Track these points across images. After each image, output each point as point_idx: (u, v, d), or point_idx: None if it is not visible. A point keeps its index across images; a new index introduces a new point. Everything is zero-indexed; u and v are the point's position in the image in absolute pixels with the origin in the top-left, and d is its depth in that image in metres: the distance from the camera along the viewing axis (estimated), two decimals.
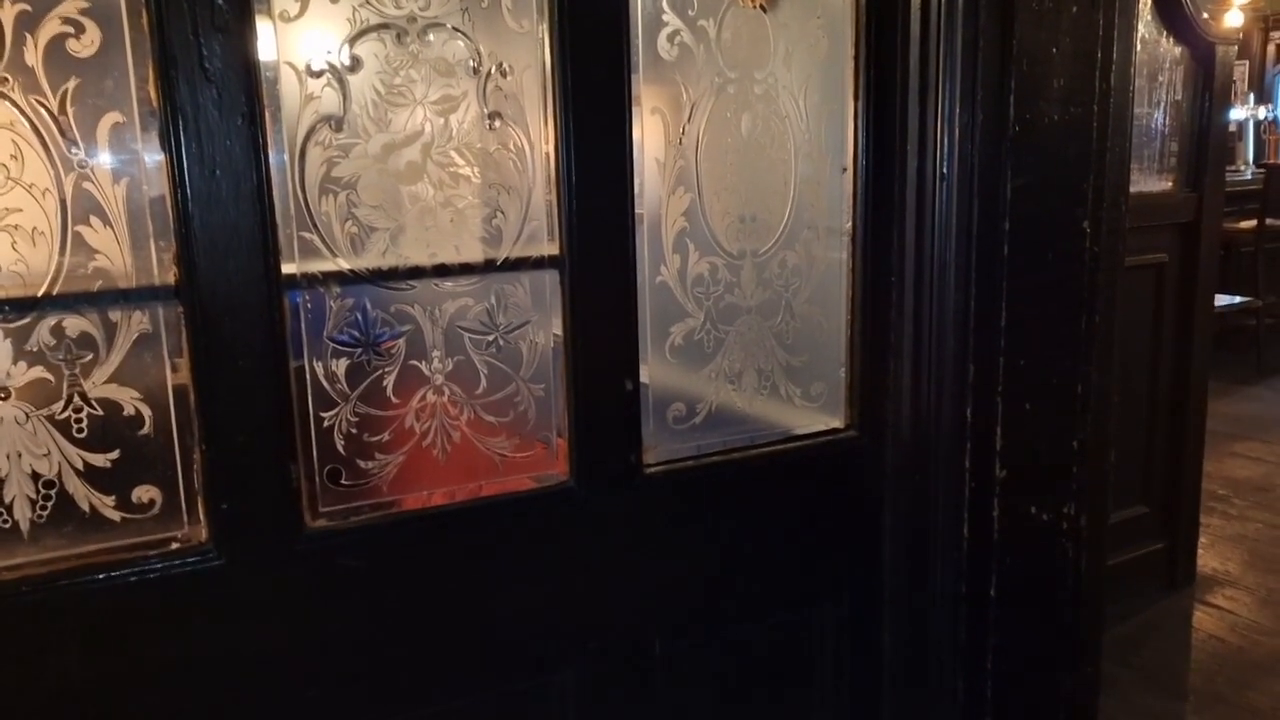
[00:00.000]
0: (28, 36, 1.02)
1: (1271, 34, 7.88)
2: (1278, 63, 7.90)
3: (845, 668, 1.64)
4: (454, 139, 1.23)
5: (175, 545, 1.15)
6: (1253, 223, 5.19)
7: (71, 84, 1.04)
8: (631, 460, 1.39)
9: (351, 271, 1.21)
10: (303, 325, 1.19)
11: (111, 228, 1.08)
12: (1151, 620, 2.67)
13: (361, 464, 1.25)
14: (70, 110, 1.04)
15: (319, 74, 1.15)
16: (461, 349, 1.29)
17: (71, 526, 1.11)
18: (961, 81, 1.41)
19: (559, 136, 1.27)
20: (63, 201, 1.05)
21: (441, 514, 1.30)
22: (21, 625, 1.09)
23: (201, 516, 1.16)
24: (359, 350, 1.23)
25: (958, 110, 1.42)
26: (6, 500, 1.08)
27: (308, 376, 1.20)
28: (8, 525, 1.08)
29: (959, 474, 1.53)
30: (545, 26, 1.25)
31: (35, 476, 1.08)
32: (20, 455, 1.07)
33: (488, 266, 1.28)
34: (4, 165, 1.03)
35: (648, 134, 1.35)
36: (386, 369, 1.24)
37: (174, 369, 1.13)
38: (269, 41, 1.11)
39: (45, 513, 1.09)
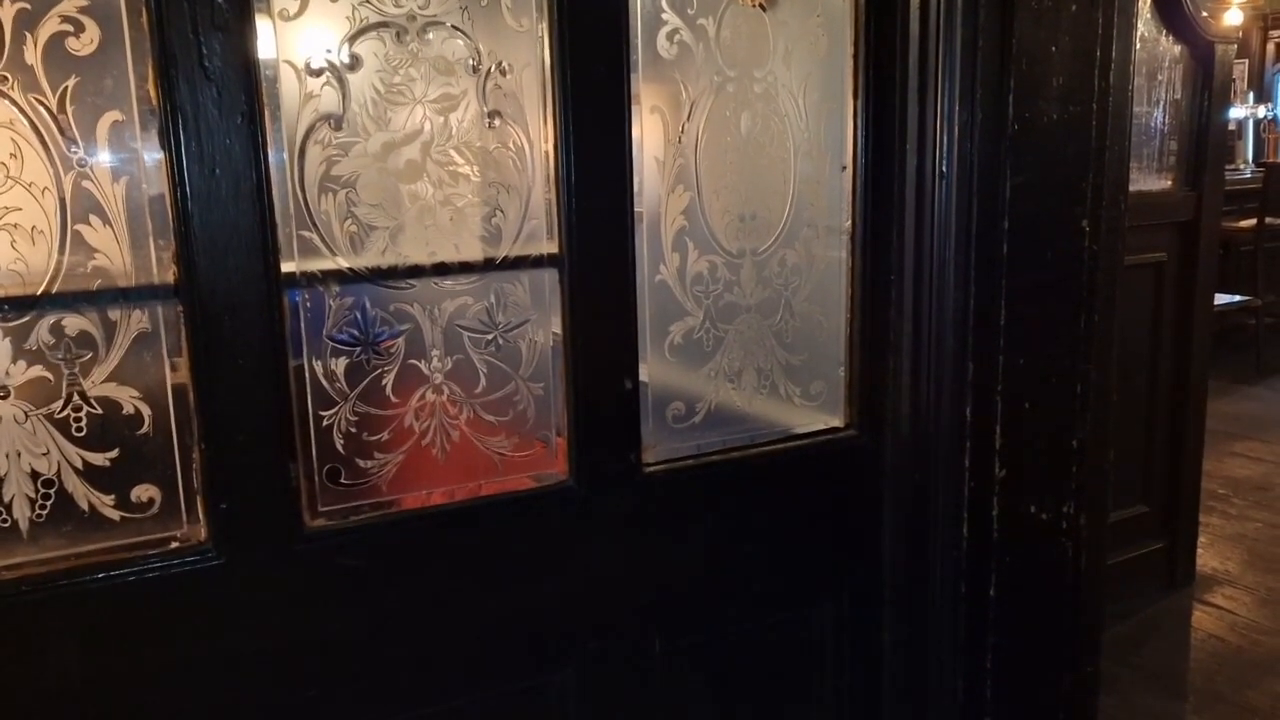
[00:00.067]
0: (27, 35, 1.01)
1: (1271, 32, 7.89)
2: (1277, 61, 7.91)
3: (845, 667, 1.64)
4: (453, 138, 1.23)
5: (174, 544, 1.15)
6: (1252, 221, 5.19)
7: (71, 82, 1.04)
8: (631, 459, 1.39)
9: (351, 270, 1.21)
10: (302, 324, 1.19)
11: (111, 226, 1.08)
12: (1151, 620, 2.67)
13: (361, 463, 1.24)
14: (70, 109, 1.04)
15: (318, 73, 1.15)
16: (461, 348, 1.29)
17: (71, 526, 1.11)
18: (961, 80, 1.41)
19: (558, 135, 1.27)
20: (62, 200, 1.05)
21: (441, 513, 1.30)
22: (21, 625, 1.08)
23: (201, 516, 1.16)
24: (358, 349, 1.23)
25: (957, 109, 1.42)
26: (6, 499, 1.08)
27: (307, 375, 1.20)
28: (7, 524, 1.08)
29: (958, 473, 1.53)
30: (545, 25, 1.25)
31: (34, 475, 1.08)
32: (19, 454, 1.07)
33: (487, 265, 1.28)
34: (3, 164, 1.02)
35: (647, 132, 1.35)
36: (386, 368, 1.24)
37: (173, 368, 1.13)
38: (268, 40, 1.11)
39: (44, 512, 1.09)
